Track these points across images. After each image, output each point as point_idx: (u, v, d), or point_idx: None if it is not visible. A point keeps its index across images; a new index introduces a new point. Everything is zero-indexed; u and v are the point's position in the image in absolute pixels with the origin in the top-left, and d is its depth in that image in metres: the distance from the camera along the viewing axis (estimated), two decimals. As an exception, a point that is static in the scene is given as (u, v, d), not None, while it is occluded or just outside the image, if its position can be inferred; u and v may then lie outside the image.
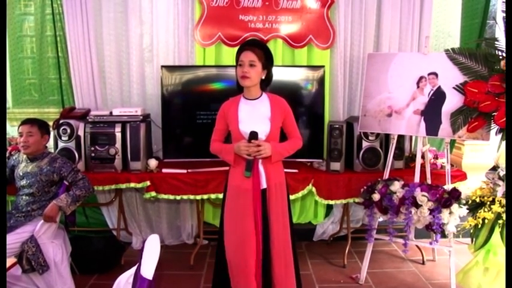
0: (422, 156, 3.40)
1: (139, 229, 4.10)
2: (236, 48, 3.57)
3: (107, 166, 3.52)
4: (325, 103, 3.81)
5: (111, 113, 3.64)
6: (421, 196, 3.03)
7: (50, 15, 3.90)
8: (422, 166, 3.40)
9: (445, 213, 2.98)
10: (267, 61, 2.60)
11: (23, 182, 3.00)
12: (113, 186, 3.48)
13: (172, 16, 3.86)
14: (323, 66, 3.74)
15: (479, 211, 2.87)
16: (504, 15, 2.81)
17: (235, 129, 2.56)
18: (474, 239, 2.97)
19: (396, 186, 3.16)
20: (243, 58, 2.53)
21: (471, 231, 2.98)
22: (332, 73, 3.98)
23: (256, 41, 2.96)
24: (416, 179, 3.25)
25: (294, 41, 3.91)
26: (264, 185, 2.56)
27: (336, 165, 3.57)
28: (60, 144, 3.51)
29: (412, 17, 3.93)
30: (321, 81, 3.70)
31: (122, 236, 3.91)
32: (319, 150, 3.72)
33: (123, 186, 3.48)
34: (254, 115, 2.56)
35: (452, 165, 3.57)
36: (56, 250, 2.95)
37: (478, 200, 2.94)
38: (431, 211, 3.00)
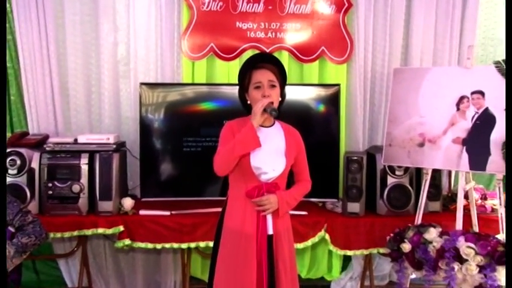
0: (466, 197, 3.14)
1: (107, 287, 3.79)
2: (232, 63, 3.61)
3: (69, 207, 3.22)
4: (340, 129, 3.58)
5: (75, 140, 3.40)
6: (466, 248, 2.70)
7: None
8: (466, 209, 3.13)
9: (500, 272, 2.65)
10: (283, 80, 2.46)
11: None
12: (75, 233, 3.20)
13: (154, 22, 3.62)
14: (338, 85, 3.52)
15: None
16: None
17: (246, 164, 2.36)
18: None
19: (432, 234, 2.89)
20: (260, 78, 2.37)
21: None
22: (349, 93, 3.77)
23: (269, 55, 2.86)
24: (459, 225, 2.95)
25: (303, 54, 3.68)
26: (270, 231, 2.39)
27: (354, 207, 3.32)
28: (7, 180, 3.19)
29: (451, 21, 3.68)
30: (336, 103, 3.49)
31: (84, 297, 3.60)
32: (334, 187, 3.49)
33: (89, 232, 3.20)
34: (268, 148, 2.38)
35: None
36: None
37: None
38: (481, 268, 2.67)
